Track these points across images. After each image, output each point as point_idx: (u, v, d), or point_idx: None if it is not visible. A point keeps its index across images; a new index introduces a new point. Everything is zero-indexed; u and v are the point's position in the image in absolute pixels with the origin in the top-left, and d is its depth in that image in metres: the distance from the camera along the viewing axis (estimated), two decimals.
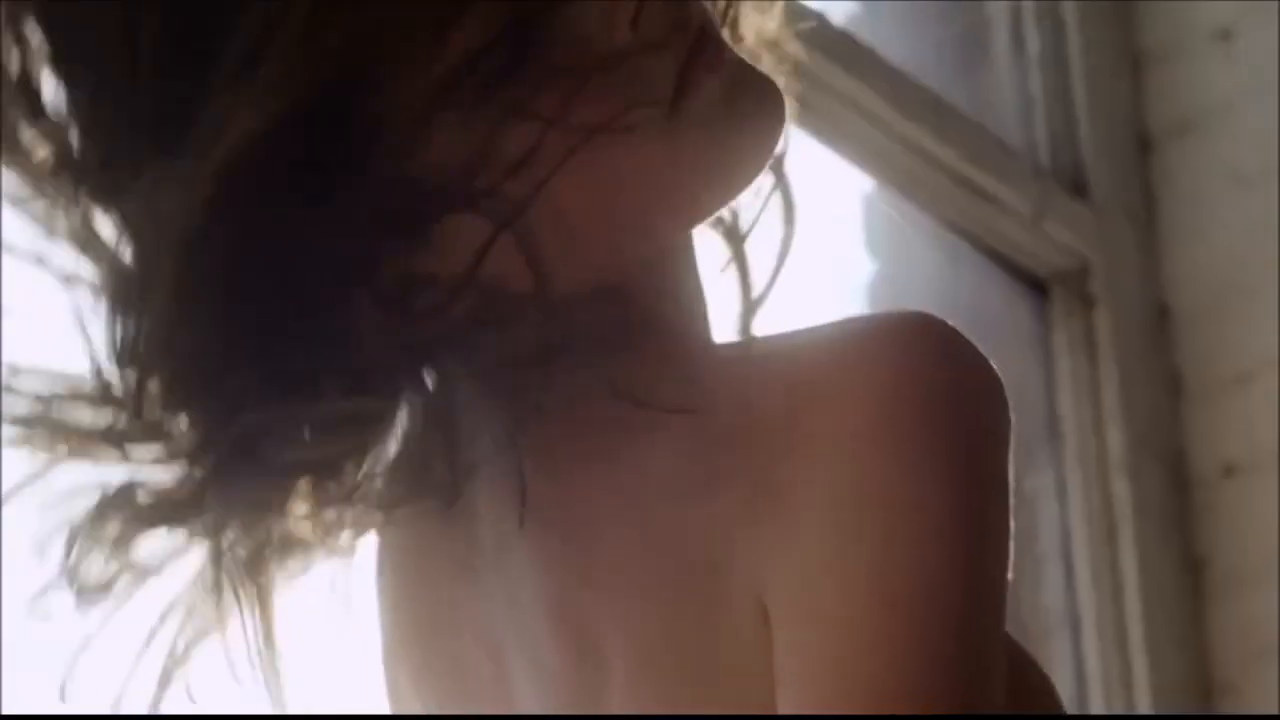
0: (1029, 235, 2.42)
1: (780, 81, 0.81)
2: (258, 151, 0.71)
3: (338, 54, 0.72)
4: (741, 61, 0.80)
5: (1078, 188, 2.49)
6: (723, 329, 0.84)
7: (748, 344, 0.82)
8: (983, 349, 0.72)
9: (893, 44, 2.26)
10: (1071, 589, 2.36)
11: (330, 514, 0.77)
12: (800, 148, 0.89)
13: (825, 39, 2.08)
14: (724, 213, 0.85)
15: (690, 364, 0.77)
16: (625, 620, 0.75)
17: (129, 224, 0.74)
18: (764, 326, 0.86)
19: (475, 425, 0.78)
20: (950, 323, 0.72)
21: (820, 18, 2.09)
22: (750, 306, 0.86)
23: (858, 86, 2.15)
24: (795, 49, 0.87)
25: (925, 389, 0.69)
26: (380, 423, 0.76)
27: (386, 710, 0.87)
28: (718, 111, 0.77)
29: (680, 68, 0.77)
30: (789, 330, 0.76)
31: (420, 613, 0.84)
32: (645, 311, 0.80)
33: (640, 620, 0.74)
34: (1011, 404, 0.72)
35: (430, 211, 0.75)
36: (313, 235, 0.73)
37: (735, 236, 0.86)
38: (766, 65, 0.84)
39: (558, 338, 0.77)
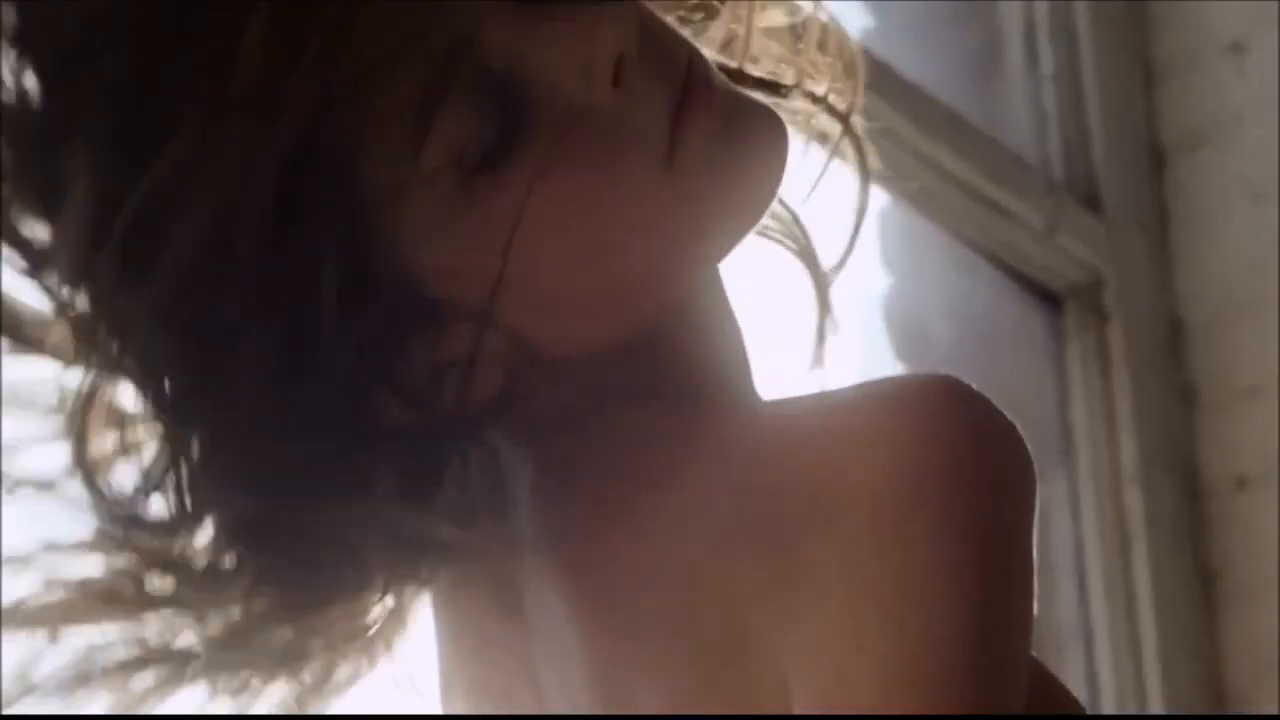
0: (1043, 249, 2.42)
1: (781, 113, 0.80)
2: (257, 266, 0.71)
3: (318, 160, 0.72)
4: (735, 93, 0.79)
5: (1091, 201, 2.49)
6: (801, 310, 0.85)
7: (775, 404, 0.80)
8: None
9: (907, 59, 2.27)
10: (1084, 601, 2.36)
11: (404, 600, 0.78)
12: (814, 164, 0.89)
13: None
14: (779, 208, 0.85)
15: (717, 424, 0.76)
16: (655, 675, 0.74)
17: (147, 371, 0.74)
18: (784, 344, 0.87)
19: (516, 484, 0.79)
20: (969, 384, 0.71)
21: None
22: (823, 282, 0.86)
23: (872, 101, 2.15)
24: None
25: (945, 463, 0.68)
26: (435, 503, 0.77)
27: None
28: (716, 151, 0.77)
29: (671, 113, 0.76)
30: (815, 393, 0.74)
31: (472, 644, 0.84)
32: (675, 363, 0.79)
33: (669, 677, 0.74)
34: (1029, 433, 0.70)
35: (415, 318, 0.75)
36: (321, 348, 0.73)
37: (797, 222, 0.86)
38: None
39: (582, 399, 0.77)
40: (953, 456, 0.68)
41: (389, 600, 0.78)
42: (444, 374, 0.76)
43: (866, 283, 2.31)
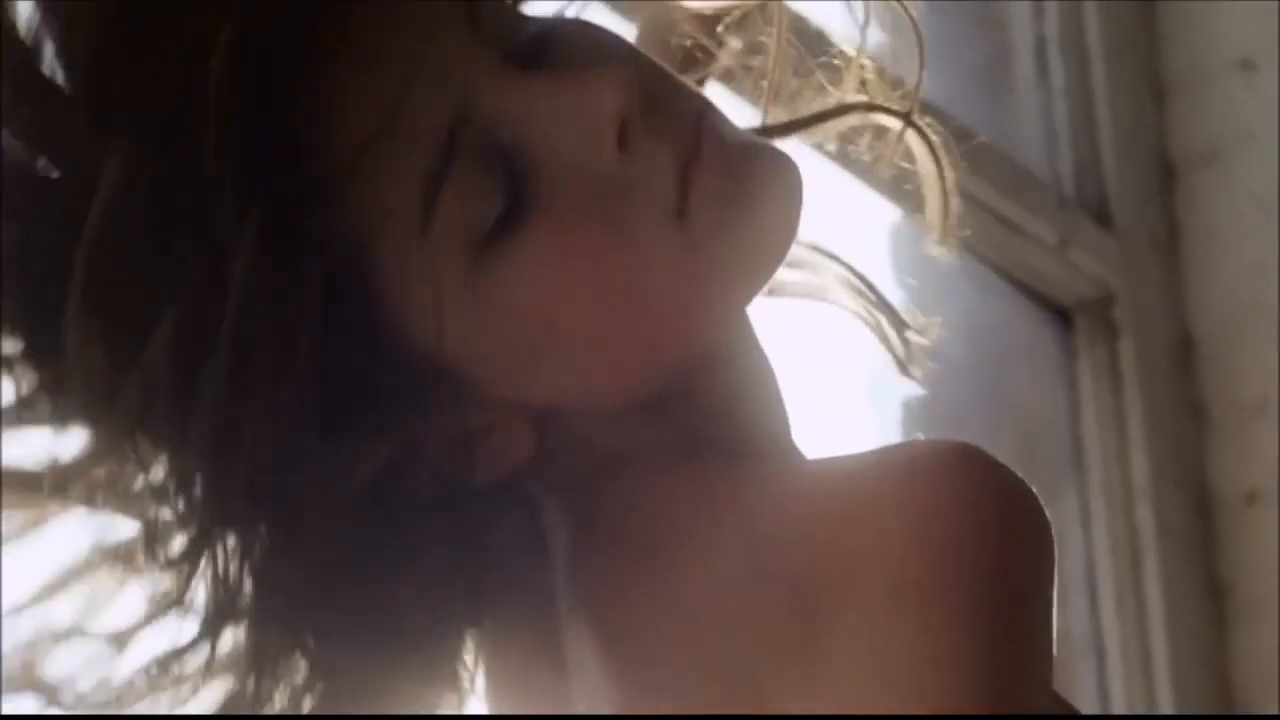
0: (1054, 264, 2.43)
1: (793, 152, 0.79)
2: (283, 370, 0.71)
3: (323, 244, 0.71)
4: (745, 140, 0.78)
5: (1102, 217, 2.50)
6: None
7: (801, 464, 0.80)
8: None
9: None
10: (1096, 615, 2.37)
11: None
12: (828, 179, 0.90)
13: None
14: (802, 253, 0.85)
15: (743, 480, 0.75)
16: None
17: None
18: (800, 358, 0.87)
19: (554, 537, 0.79)
20: (987, 452, 0.70)
21: None
22: (888, 309, 0.87)
23: None
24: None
25: (965, 535, 0.67)
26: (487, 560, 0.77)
27: None
28: (726, 199, 0.76)
29: (680, 167, 0.75)
30: (841, 455, 0.74)
31: (519, 697, 0.83)
32: (703, 414, 0.79)
33: None
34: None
35: (439, 392, 0.75)
36: (349, 431, 0.72)
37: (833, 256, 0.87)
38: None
39: (612, 455, 0.77)
40: (972, 528, 0.67)
41: (447, 668, 0.79)
42: (473, 444, 0.76)
43: None
